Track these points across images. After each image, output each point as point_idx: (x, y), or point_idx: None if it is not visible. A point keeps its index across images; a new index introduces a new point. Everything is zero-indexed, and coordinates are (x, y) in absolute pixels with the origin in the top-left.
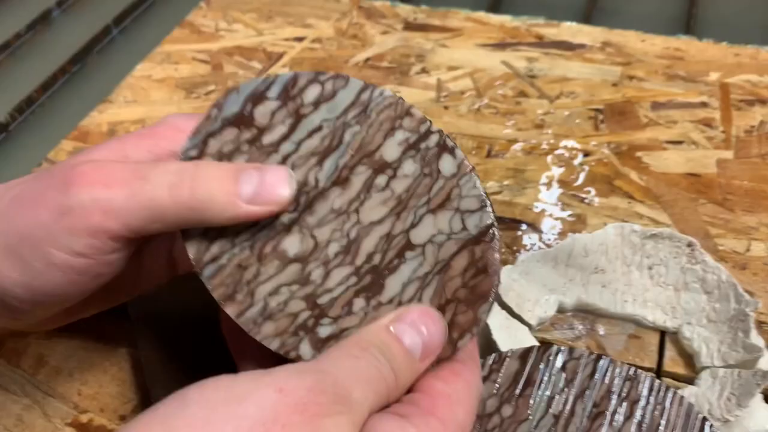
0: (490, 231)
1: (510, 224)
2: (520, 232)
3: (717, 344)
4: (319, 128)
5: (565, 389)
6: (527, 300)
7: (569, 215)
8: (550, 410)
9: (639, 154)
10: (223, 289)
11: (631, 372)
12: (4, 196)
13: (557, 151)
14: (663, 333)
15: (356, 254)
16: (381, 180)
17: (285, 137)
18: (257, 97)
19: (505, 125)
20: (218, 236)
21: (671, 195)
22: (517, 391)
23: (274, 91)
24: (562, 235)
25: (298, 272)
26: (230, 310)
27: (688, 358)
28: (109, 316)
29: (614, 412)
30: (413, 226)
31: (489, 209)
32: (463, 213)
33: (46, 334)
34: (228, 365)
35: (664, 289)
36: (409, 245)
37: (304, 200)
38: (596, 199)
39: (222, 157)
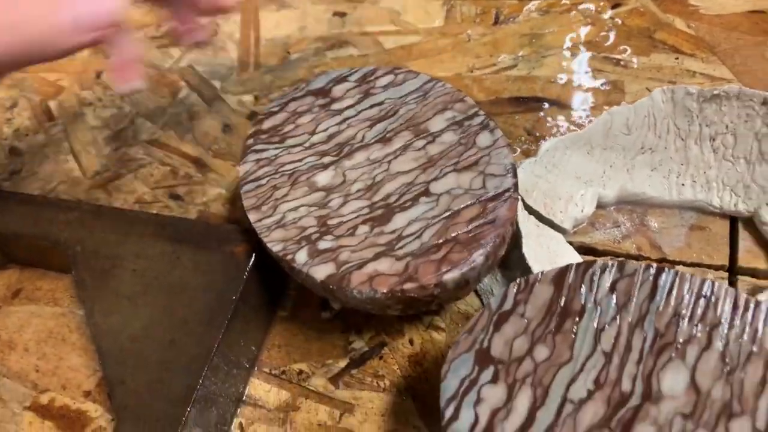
0: (508, 193)
1: (529, 105)
2: (542, 113)
3: None
4: (381, 103)
5: (617, 317)
6: (558, 199)
7: (602, 84)
8: (600, 346)
9: None
10: (253, 201)
11: (707, 287)
12: None
13: (581, 6)
14: (734, 220)
15: (376, 193)
16: (419, 143)
17: (351, 106)
18: (340, 79)
19: None
20: (267, 164)
21: (730, 42)
22: (553, 326)
23: (355, 77)
24: (595, 110)
25: (321, 198)
26: (252, 216)
27: None
28: (66, 278)
29: (686, 342)
30: (435, 179)
31: (513, 177)
32: (487, 175)
33: None
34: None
35: (734, 164)
36: (426, 192)
37: (347, 150)
38: (635, 60)
39: (295, 114)
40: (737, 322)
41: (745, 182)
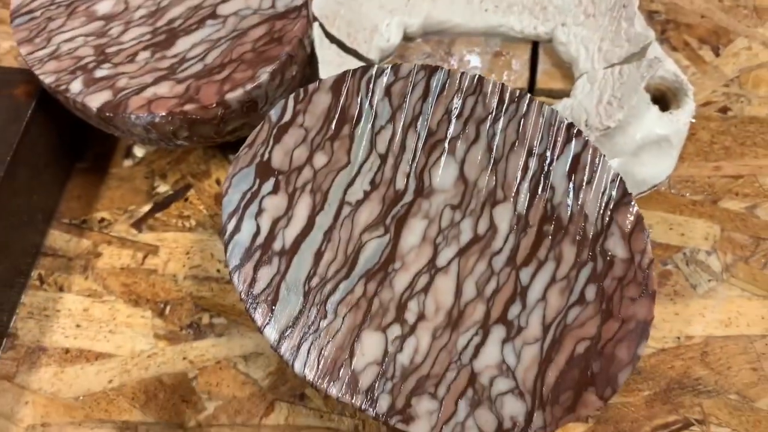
0: (298, 11)
1: None
2: None
3: (597, 43)
4: None
5: (392, 119)
6: (362, 29)
7: None
8: (376, 149)
9: None
10: (25, 34)
11: (476, 84)
12: None
13: None
14: (536, 44)
15: (160, 18)
16: None
17: None
18: None
19: None
20: None
21: None
22: (331, 133)
23: None
24: None
25: (100, 28)
26: (24, 49)
27: (566, 69)
28: None
29: (456, 138)
30: (224, 1)
31: None
32: None
33: None
34: None
35: None
36: (213, 15)
37: None
38: None
39: None
40: (502, 115)
41: (543, 4)
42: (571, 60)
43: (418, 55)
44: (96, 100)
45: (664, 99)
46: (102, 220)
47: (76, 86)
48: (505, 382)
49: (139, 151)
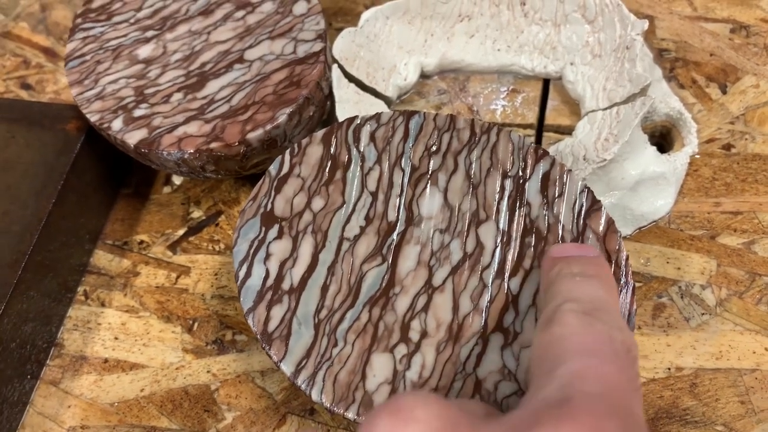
0: (316, 56)
1: None
2: None
3: (602, 82)
4: None
5: (379, 161)
6: (380, 68)
7: None
8: (366, 188)
9: None
10: (76, 76)
11: (448, 122)
12: None
13: None
14: (547, 82)
15: (193, 62)
16: (239, 14)
17: None
18: None
19: None
20: (93, 41)
21: None
22: (326, 179)
23: None
24: None
25: (140, 70)
26: (74, 90)
27: (574, 105)
28: None
29: (437, 170)
30: (250, 47)
31: (322, 42)
32: (298, 41)
33: None
34: None
35: (542, 27)
36: (240, 60)
37: (170, 23)
38: None
39: None
40: (476, 145)
41: (552, 44)
42: (579, 98)
43: (435, 91)
44: (133, 138)
45: (669, 135)
46: (141, 242)
47: (117, 124)
48: (509, 385)
49: (177, 179)
